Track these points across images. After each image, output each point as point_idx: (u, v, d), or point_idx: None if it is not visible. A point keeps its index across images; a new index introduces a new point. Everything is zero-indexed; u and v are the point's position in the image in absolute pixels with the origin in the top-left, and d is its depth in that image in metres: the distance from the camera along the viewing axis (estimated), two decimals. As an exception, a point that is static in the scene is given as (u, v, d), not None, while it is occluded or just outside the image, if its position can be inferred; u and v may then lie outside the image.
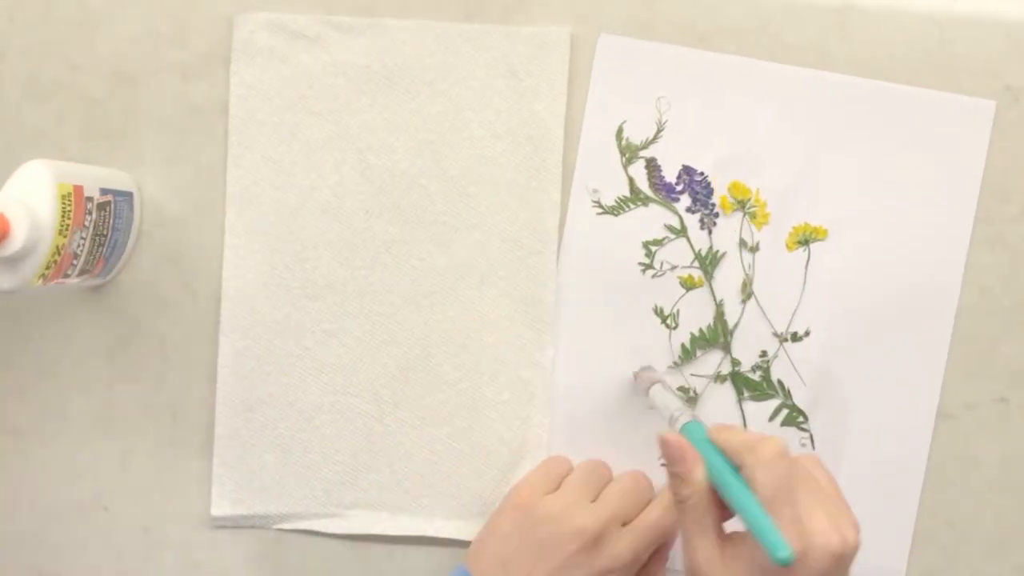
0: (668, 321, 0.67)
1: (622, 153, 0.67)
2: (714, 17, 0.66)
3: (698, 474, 0.53)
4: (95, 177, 0.64)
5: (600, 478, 0.65)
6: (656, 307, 0.67)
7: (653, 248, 0.67)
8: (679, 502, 0.54)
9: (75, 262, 0.62)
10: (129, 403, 0.69)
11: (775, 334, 0.66)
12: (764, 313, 0.66)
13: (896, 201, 0.66)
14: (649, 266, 0.67)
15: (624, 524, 0.62)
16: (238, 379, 0.68)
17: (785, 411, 0.66)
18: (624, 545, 0.61)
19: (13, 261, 0.58)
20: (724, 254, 0.66)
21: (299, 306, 0.68)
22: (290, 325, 0.68)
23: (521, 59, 0.67)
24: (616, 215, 0.67)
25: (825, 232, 0.66)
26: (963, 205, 0.66)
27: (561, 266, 0.67)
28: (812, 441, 0.66)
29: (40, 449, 0.69)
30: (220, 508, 0.68)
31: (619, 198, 0.67)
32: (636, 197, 0.67)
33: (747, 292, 0.66)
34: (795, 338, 0.66)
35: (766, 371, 0.66)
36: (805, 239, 0.66)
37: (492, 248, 0.67)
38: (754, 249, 0.66)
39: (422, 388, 0.67)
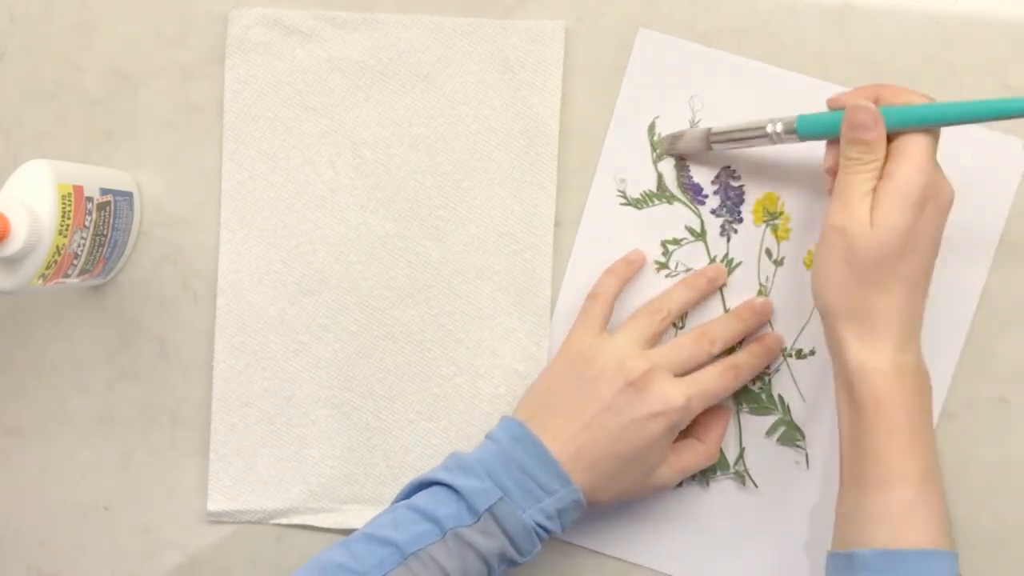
0: (675, 320, 0.67)
1: (653, 148, 0.67)
2: (713, 17, 0.66)
3: (883, 134, 0.56)
4: (95, 177, 0.64)
5: (655, 326, 0.64)
6: None
7: (671, 248, 0.67)
8: (860, 165, 0.56)
9: (75, 262, 0.62)
10: (129, 403, 0.69)
11: (780, 349, 0.66)
12: (772, 327, 0.66)
13: None
14: (664, 265, 0.67)
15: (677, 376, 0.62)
16: (234, 374, 0.68)
17: (783, 428, 0.66)
18: (675, 389, 0.60)
19: (13, 261, 0.58)
20: (740, 263, 0.66)
21: (294, 301, 0.68)
22: (285, 320, 0.68)
23: (516, 53, 0.67)
24: (639, 208, 0.67)
25: None
26: (984, 238, 0.65)
27: (574, 250, 0.67)
28: (807, 460, 0.66)
29: (40, 449, 0.69)
30: (216, 503, 0.68)
31: (645, 192, 0.67)
32: (662, 194, 0.67)
33: None
34: (799, 355, 0.66)
35: (767, 384, 0.66)
36: None
37: (487, 242, 0.67)
38: (778, 262, 0.66)
39: (418, 382, 0.67)
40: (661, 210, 0.67)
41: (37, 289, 0.61)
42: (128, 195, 0.66)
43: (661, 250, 0.67)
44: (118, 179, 0.66)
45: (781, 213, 0.66)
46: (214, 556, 0.69)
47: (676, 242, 0.66)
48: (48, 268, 0.60)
